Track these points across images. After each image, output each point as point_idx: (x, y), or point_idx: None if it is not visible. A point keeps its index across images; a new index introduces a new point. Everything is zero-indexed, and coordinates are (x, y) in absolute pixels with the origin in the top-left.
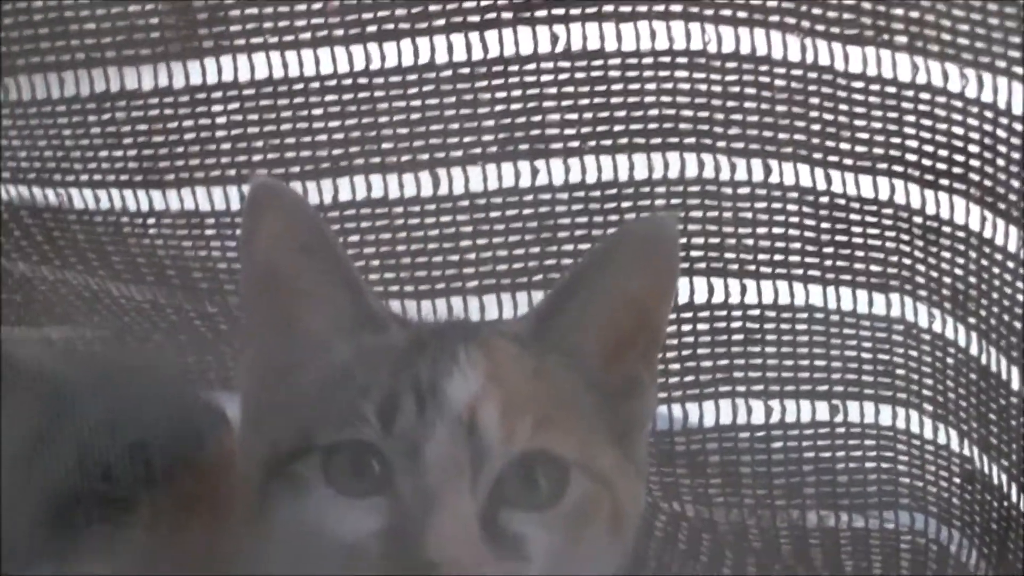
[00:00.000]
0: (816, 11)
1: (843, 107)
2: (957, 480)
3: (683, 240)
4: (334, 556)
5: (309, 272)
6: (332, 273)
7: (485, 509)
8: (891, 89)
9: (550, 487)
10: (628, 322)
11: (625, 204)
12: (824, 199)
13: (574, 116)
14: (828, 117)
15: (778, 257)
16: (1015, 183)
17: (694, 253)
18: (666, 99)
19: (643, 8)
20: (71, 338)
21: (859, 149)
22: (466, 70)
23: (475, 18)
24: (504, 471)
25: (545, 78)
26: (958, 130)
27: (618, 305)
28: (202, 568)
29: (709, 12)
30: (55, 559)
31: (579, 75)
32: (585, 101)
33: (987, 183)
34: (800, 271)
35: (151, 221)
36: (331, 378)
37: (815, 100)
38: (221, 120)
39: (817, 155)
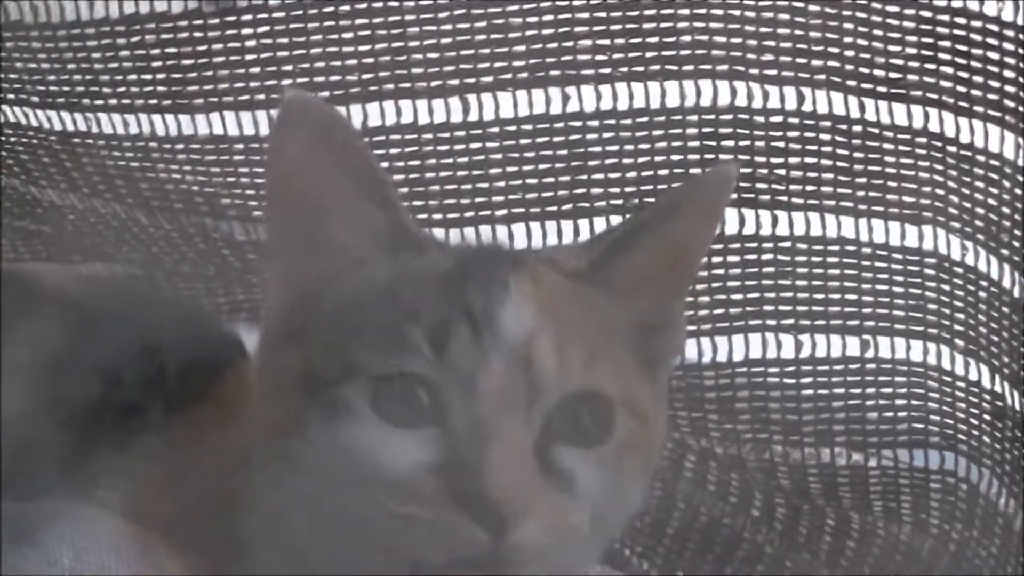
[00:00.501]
0: None
1: (877, 32)
2: (988, 417)
3: None
4: (383, 488)
5: (342, 187)
6: (368, 188)
7: (539, 442)
8: (925, 14)
9: (597, 425)
10: (671, 263)
11: (656, 132)
12: (857, 128)
13: (606, 42)
14: (862, 43)
15: (810, 188)
16: None
17: None
18: (699, 25)
19: None
20: (101, 274)
21: (893, 76)
22: None
23: None
24: (556, 409)
25: (577, 3)
26: (993, 55)
27: (668, 249)
28: (218, 493)
29: None
30: (76, 481)
31: (611, 0)
32: (617, 27)
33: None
34: (832, 202)
35: (180, 147)
36: (371, 296)
37: (848, 26)
38: (251, 44)
39: (851, 83)
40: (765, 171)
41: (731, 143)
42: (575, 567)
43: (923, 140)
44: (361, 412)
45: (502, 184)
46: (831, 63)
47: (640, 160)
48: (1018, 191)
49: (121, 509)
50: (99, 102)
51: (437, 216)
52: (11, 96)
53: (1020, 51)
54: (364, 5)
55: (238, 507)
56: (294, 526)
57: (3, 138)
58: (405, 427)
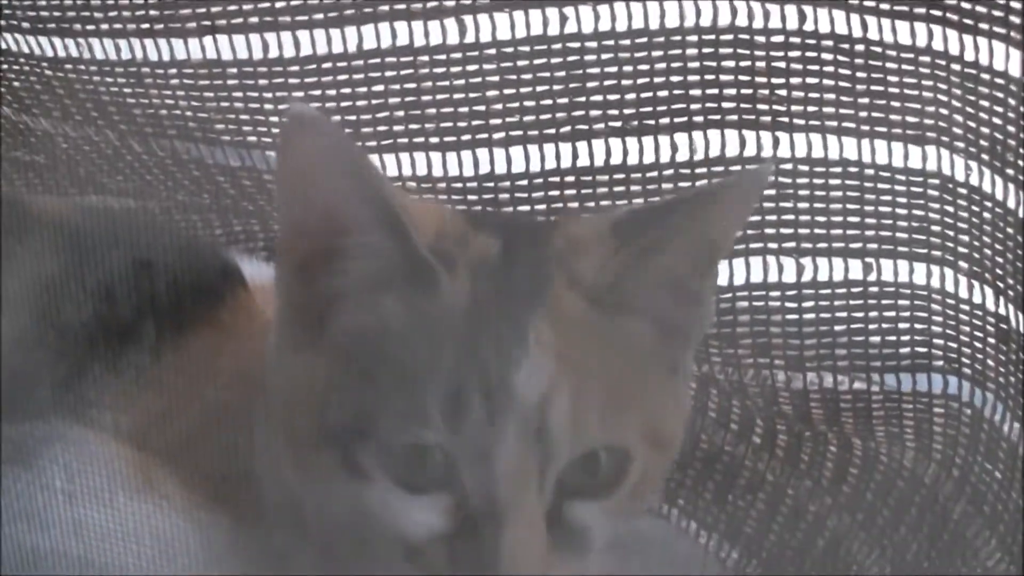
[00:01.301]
0: None
1: None
2: (992, 341)
3: (715, 91)
4: (392, 546)
5: (351, 208)
6: (376, 211)
7: (551, 507)
8: None
9: (612, 472)
10: (700, 257)
11: (656, 53)
12: (859, 47)
13: None
14: None
15: (812, 108)
16: None
17: (726, 104)
18: None
19: None
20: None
21: None
22: None
23: None
24: (570, 463)
25: None
26: None
27: (697, 243)
28: (219, 421)
29: None
30: (72, 405)
31: None
32: None
33: None
34: (834, 123)
35: (173, 71)
36: (384, 342)
37: None
38: None
39: (853, 0)
40: (766, 92)
41: (731, 63)
42: None
43: (927, 58)
44: (374, 476)
45: (499, 107)
46: None
47: (639, 82)
48: None
49: (120, 434)
50: (91, 27)
51: (434, 140)
52: (2, 23)
53: None
54: None
55: (239, 447)
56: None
57: None
58: (418, 493)
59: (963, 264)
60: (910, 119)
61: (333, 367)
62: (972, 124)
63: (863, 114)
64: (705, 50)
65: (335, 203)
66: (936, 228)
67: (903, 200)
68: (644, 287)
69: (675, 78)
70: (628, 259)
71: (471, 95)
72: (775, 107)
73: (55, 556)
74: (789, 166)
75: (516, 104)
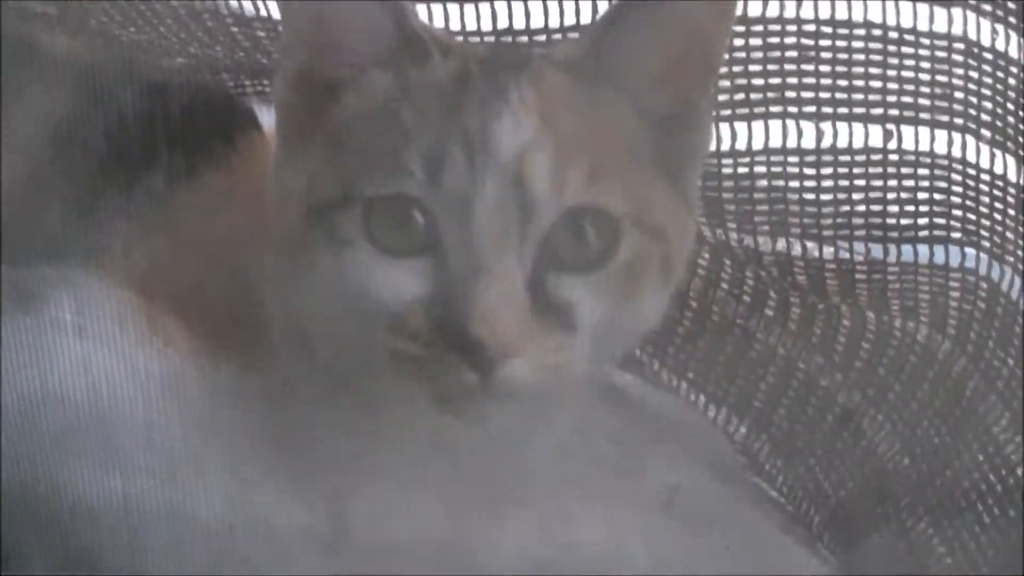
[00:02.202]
0: None
1: None
2: (1012, 212)
3: None
4: (377, 320)
5: None
6: None
7: (533, 273)
8: None
9: (601, 244)
10: (683, 44)
11: None
12: None
13: None
14: None
15: None
16: None
17: None
18: None
19: None
20: None
21: None
22: None
23: None
24: (554, 227)
25: None
26: None
27: (675, 25)
28: (228, 268)
29: None
30: (81, 249)
31: None
32: None
33: None
34: None
35: None
36: (372, 113)
37: None
38: None
39: None
40: None
41: None
42: (580, 387)
43: None
44: (355, 240)
45: None
46: None
47: None
48: None
49: (127, 279)
50: None
51: None
52: None
53: None
54: None
55: (249, 284)
56: (304, 322)
57: None
58: (398, 256)
59: (985, 132)
60: None
61: (323, 154)
62: None
63: None
64: None
65: None
66: (959, 95)
67: (926, 64)
68: (626, 64)
69: None
70: (604, 33)
71: None
72: None
73: (59, 401)
74: (812, 27)
75: None
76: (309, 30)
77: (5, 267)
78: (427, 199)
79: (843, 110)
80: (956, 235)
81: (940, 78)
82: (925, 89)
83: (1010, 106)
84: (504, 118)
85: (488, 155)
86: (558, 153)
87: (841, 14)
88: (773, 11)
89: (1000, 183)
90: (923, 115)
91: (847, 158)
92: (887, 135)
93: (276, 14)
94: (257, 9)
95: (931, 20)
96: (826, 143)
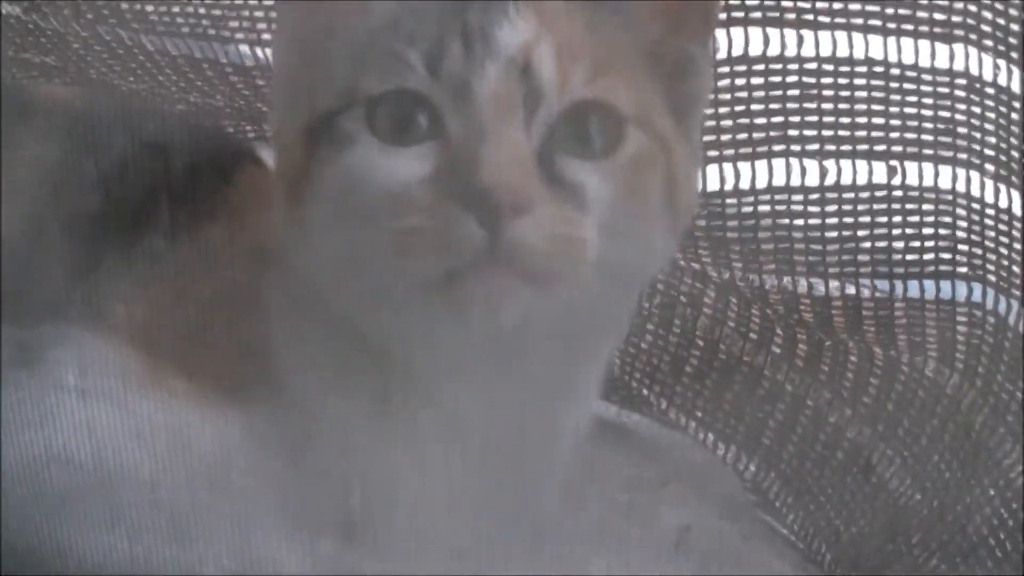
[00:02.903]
0: None
1: None
2: (1018, 247)
3: None
4: (383, 208)
5: None
6: None
7: (541, 150)
8: None
9: (605, 139)
10: None
11: None
12: None
13: None
14: None
15: (837, 5)
16: None
17: (749, 1)
18: None
19: None
20: None
21: None
22: None
23: None
24: (560, 118)
25: None
26: None
27: None
28: (231, 311)
29: None
30: (81, 306)
31: None
32: None
33: None
34: (859, 20)
35: None
36: (373, 31)
37: None
38: None
39: None
40: None
41: None
42: (592, 300)
43: None
44: (359, 136)
45: None
46: None
47: None
48: None
49: (129, 334)
50: None
51: None
52: None
53: None
54: None
55: (254, 319)
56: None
57: None
58: (402, 145)
59: (989, 167)
60: (937, 16)
61: (322, 68)
62: (1001, 21)
63: (889, 11)
64: None
65: None
66: (963, 130)
67: (929, 101)
68: (624, 6)
69: None
70: None
71: None
72: (799, 3)
73: (63, 462)
74: (814, 65)
75: None
76: None
77: (7, 326)
78: (428, 91)
79: (846, 147)
80: (962, 270)
81: (943, 113)
82: (928, 125)
83: (1014, 140)
84: (504, 22)
85: (488, 47)
86: (560, 49)
87: (842, 52)
88: (774, 50)
89: (1005, 217)
90: (927, 151)
91: (851, 195)
92: (891, 171)
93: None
94: (256, 58)
95: (933, 56)
96: (830, 180)
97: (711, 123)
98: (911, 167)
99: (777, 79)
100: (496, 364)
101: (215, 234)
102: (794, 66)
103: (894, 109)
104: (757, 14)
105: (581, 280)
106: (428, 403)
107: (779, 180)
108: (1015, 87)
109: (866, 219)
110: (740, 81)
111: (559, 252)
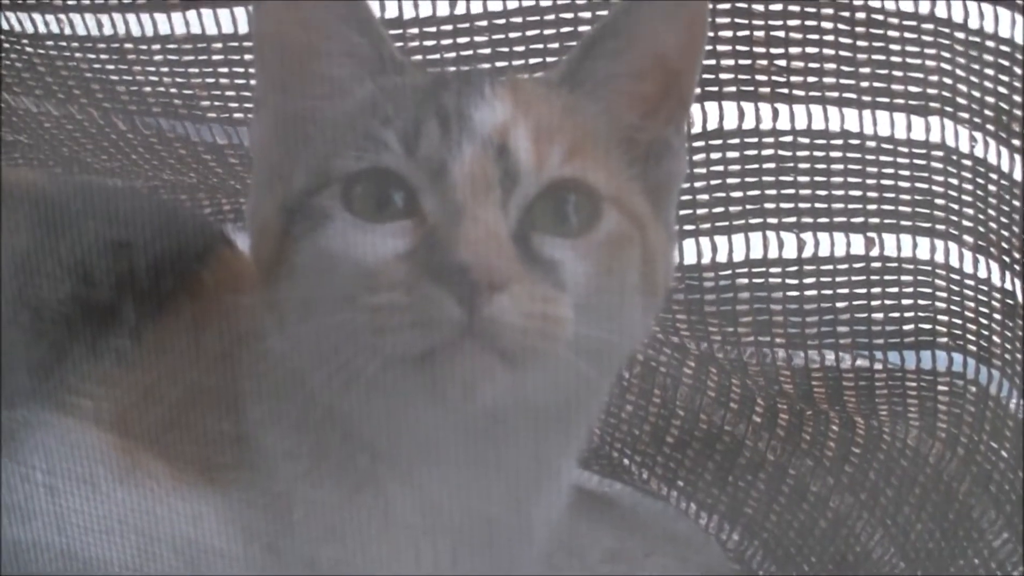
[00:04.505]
0: None
1: None
2: (998, 316)
3: (711, 62)
4: (358, 284)
5: (330, 19)
6: (353, 18)
7: (517, 228)
8: None
9: (582, 217)
10: (655, 78)
11: None
12: (860, 15)
13: None
14: None
15: (812, 79)
16: None
17: (723, 76)
18: None
19: None
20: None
21: None
22: None
23: None
24: (536, 198)
25: None
26: None
27: (646, 59)
28: (207, 392)
29: None
30: (53, 390)
31: None
32: None
33: None
34: (835, 94)
35: (156, 47)
36: (350, 112)
37: None
38: None
39: None
40: (764, 62)
41: (728, 33)
42: (570, 380)
43: (929, 26)
44: (334, 213)
45: None
46: None
47: None
48: None
49: (106, 419)
50: (72, 2)
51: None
52: None
53: None
54: None
55: (230, 403)
56: (287, 369)
57: None
58: (378, 222)
59: (967, 238)
60: (912, 88)
61: (299, 150)
62: (976, 94)
63: (864, 84)
64: None
65: (312, 11)
66: (940, 201)
67: (905, 172)
68: (601, 87)
69: None
70: (579, 61)
71: (462, 67)
72: (774, 78)
73: (38, 549)
74: (789, 138)
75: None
76: (288, 69)
77: None
78: (404, 170)
79: (823, 219)
80: (942, 340)
81: (920, 185)
82: (905, 196)
83: (991, 212)
84: (480, 103)
85: (464, 128)
86: (536, 131)
87: (818, 124)
88: (750, 123)
89: (984, 287)
90: (904, 222)
91: (829, 267)
92: (869, 243)
93: (248, 141)
94: (228, 137)
95: (909, 128)
96: (808, 252)
97: (687, 197)
98: (889, 238)
99: (753, 152)
100: (473, 445)
101: (190, 317)
102: (770, 139)
103: (871, 181)
104: (732, 88)
105: (558, 358)
106: (405, 485)
107: (756, 253)
108: (992, 159)
109: (845, 290)
110: (716, 155)
111: (536, 329)
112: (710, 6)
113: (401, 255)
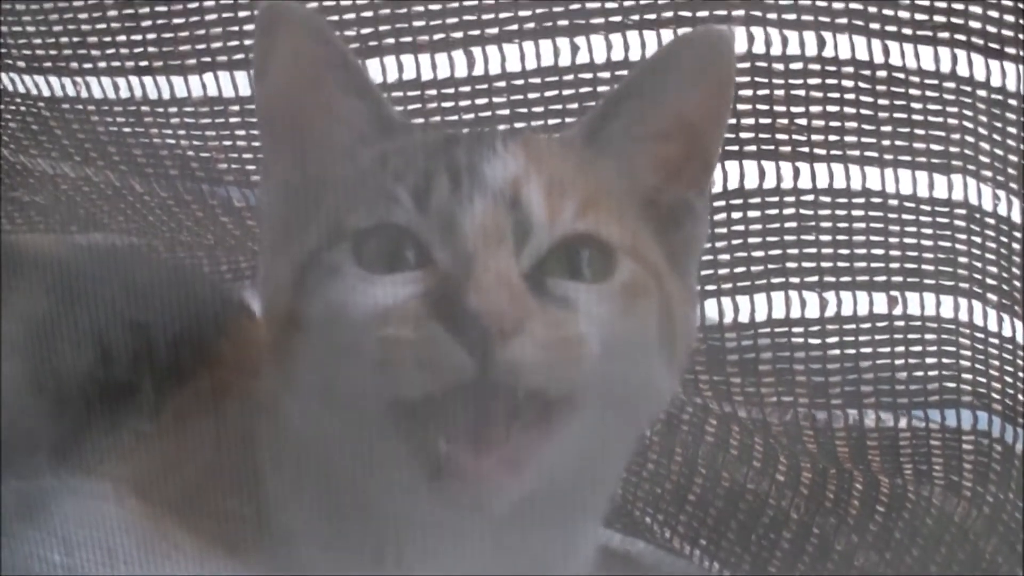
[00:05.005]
0: None
1: None
2: (1023, 375)
3: (732, 121)
4: (371, 320)
5: (329, 87)
6: (352, 84)
7: (530, 275)
8: None
9: (596, 269)
10: (678, 140)
11: None
12: (882, 73)
13: None
14: None
15: (833, 138)
16: None
17: (744, 135)
18: None
19: None
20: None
21: (919, 17)
22: None
23: None
24: (549, 251)
25: None
26: None
27: (669, 121)
28: (223, 455)
29: None
30: (78, 458)
31: None
32: None
33: None
34: (856, 152)
35: (173, 110)
36: (361, 170)
37: None
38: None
39: (874, 25)
40: (785, 121)
41: (749, 92)
42: (596, 433)
43: (951, 84)
44: (345, 268)
45: None
46: (853, 5)
47: None
48: None
49: (130, 485)
50: (88, 65)
51: None
52: None
53: None
54: None
55: (249, 475)
56: (304, 436)
57: None
58: (389, 273)
59: (992, 296)
60: (935, 147)
61: (311, 211)
62: (999, 152)
63: (886, 142)
64: None
65: (317, 81)
66: (963, 259)
67: (928, 231)
68: (620, 149)
69: None
70: (599, 120)
71: (480, 128)
72: (795, 136)
73: None
74: (811, 197)
75: None
76: (293, 136)
77: (10, 476)
78: (416, 225)
79: (846, 278)
80: (967, 398)
81: (943, 243)
82: (929, 255)
83: (1015, 270)
84: (491, 158)
85: (475, 182)
86: (549, 185)
87: (839, 183)
88: (771, 183)
89: (1009, 345)
90: (928, 280)
91: (852, 326)
92: (892, 301)
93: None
94: (245, 199)
95: (931, 187)
96: (830, 312)
97: (709, 256)
98: (912, 297)
99: (774, 211)
100: (491, 528)
101: (209, 391)
102: (791, 198)
103: (893, 239)
104: (753, 147)
105: (579, 384)
106: (423, 561)
107: (779, 313)
108: (1015, 217)
109: (868, 349)
110: (737, 214)
111: (557, 357)
112: (731, 121)
113: (412, 298)
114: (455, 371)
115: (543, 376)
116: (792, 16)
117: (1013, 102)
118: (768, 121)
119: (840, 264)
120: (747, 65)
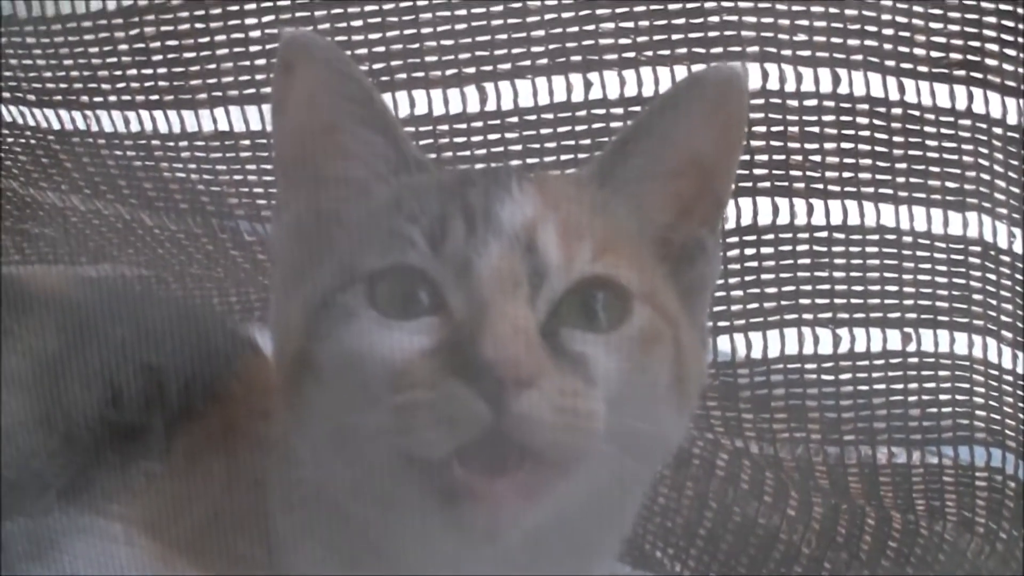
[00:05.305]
0: None
1: (917, 8)
2: None
3: (746, 157)
4: (383, 382)
5: (347, 121)
6: (373, 120)
7: (545, 323)
8: None
9: (611, 314)
10: (691, 179)
11: None
12: (897, 110)
13: (629, 24)
14: (901, 20)
15: (847, 174)
16: None
17: (757, 171)
18: (727, 4)
19: None
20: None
21: (934, 55)
22: None
23: None
24: (565, 295)
25: None
26: None
27: (682, 159)
28: (232, 493)
29: None
30: (88, 496)
31: None
32: (641, 8)
33: None
34: (871, 189)
35: (183, 144)
36: (375, 211)
37: (887, 2)
38: (256, 35)
39: (889, 62)
40: (799, 158)
41: (763, 128)
42: (598, 471)
43: (967, 122)
44: (359, 311)
45: None
46: (868, 42)
47: None
48: None
49: (140, 525)
50: (98, 99)
51: None
52: (6, 95)
53: None
54: None
55: (258, 515)
56: (315, 474)
57: (0, 139)
58: (403, 319)
59: (1006, 333)
60: (950, 184)
61: (323, 251)
62: (1015, 189)
63: (901, 180)
64: None
65: (335, 115)
66: (978, 296)
67: (943, 268)
68: (633, 187)
69: None
70: (612, 158)
71: (494, 164)
72: (809, 173)
73: None
74: (824, 234)
75: None
76: (308, 172)
77: (19, 517)
78: (430, 267)
79: (859, 315)
80: (980, 435)
81: (958, 280)
82: (943, 292)
83: None
84: (506, 200)
85: (490, 225)
86: (564, 229)
87: (853, 219)
88: (784, 219)
89: (1023, 383)
90: (942, 317)
91: (866, 362)
92: (906, 338)
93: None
94: (256, 232)
95: (946, 224)
96: (843, 348)
97: (721, 293)
98: (926, 334)
99: (788, 248)
100: (509, 561)
101: (219, 432)
102: (804, 235)
103: (907, 276)
104: (766, 184)
105: (591, 456)
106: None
107: (792, 349)
108: None
109: (881, 386)
110: (750, 251)
111: (568, 425)
112: (744, 158)
113: (426, 352)
114: (473, 422)
115: (552, 437)
116: (807, 53)
117: None
118: (782, 157)
119: (854, 301)
120: (762, 101)
